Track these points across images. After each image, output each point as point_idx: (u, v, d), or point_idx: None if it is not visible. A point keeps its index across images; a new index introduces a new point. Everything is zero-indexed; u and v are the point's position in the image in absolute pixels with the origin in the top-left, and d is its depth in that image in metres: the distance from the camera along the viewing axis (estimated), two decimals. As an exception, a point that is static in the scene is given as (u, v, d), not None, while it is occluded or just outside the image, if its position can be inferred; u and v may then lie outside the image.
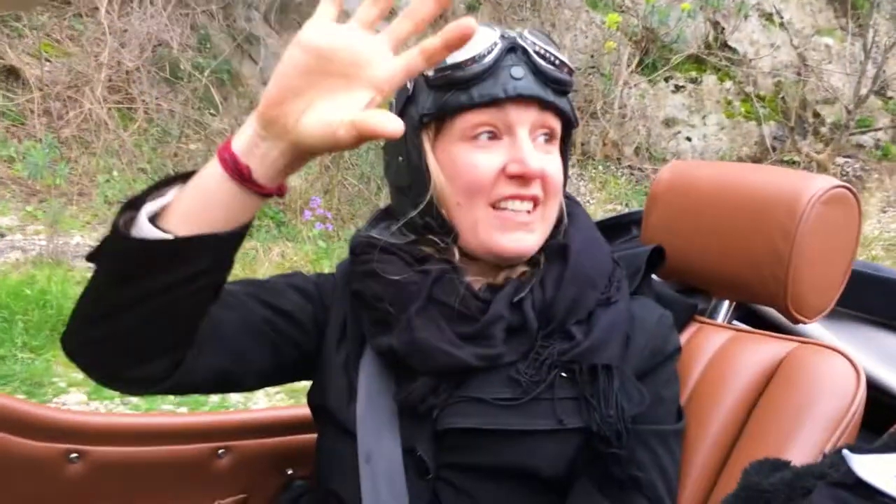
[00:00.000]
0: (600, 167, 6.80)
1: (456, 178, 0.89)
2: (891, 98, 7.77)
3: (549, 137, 0.92)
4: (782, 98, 7.51)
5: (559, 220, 0.97)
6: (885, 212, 7.16)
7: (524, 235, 0.90)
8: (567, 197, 1.01)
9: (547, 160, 0.90)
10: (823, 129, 7.61)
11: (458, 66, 0.86)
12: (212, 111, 5.56)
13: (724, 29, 7.46)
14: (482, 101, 0.86)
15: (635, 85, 7.07)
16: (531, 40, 0.88)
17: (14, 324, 3.23)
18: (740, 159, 7.40)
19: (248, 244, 4.63)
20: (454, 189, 0.90)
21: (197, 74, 5.46)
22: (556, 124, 0.92)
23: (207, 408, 2.87)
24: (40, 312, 3.31)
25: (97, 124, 5.23)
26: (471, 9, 6.59)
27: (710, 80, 7.42)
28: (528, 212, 0.90)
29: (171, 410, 2.86)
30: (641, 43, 7.19)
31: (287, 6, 6.09)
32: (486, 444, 0.86)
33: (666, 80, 7.30)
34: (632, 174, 6.87)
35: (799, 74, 7.40)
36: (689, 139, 7.30)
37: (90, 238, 4.46)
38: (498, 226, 0.89)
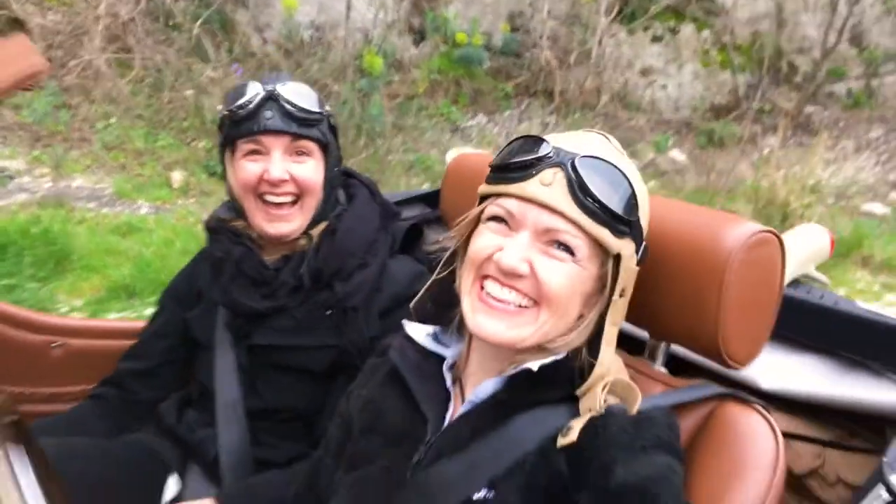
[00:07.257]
0: (577, 114, 7.13)
1: (237, 180, 1.38)
2: (865, 48, 7.96)
3: (304, 154, 1.37)
4: (758, 48, 7.73)
5: (335, 204, 1.44)
6: (845, 159, 7.47)
7: (283, 225, 1.38)
8: (355, 178, 1.51)
9: (298, 168, 1.36)
10: (797, 79, 7.84)
11: (232, 111, 1.34)
12: (203, 59, 5.92)
13: (703, -22, 7.63)
14: (246, 133, 1.34)
15: (613, 35, 7.32)
16: (283, 95, 1.34)
17: (23, 258, 3.70)
18: (713, 107, 7.69)
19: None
20: (237, 188, 1.39)
21: (188, 25, 5.81)
22: (312, 146, 1.37)
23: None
24: (45, 248, 3.77)
25: (96, 73, 5.62)
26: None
27: (688, 29, 7.63)
28: (289, 205, 1.37)
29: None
30: (621, -8, 7.39)
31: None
32: (277, 354, 1.40)
33: (645, 29, 7.53)
34: (606, 121, 7.20)
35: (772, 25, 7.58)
36: (664, 87, 7.58)
37: (90, 181, 4.91)
38: (263, 217, 1.38)
